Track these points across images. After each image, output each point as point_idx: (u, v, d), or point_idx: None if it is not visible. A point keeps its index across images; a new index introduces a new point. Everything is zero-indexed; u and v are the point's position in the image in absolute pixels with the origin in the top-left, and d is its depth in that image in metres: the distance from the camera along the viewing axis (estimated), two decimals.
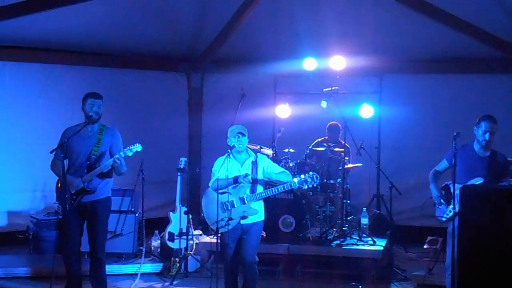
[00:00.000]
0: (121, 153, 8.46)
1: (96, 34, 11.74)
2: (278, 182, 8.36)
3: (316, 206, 11.66)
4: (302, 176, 8.29)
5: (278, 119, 12.82)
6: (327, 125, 12.04)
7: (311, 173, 8.21)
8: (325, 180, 11.29)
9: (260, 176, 8.37)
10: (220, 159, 8.26)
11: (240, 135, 8.30)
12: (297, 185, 8.23)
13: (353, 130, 11.26)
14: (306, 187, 8.29)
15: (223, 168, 8.14)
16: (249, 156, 8.44)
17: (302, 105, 12.40)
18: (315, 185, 8.40)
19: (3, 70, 11.55)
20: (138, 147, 8.53)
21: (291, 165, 11.24)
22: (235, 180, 8.19)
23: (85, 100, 8.60)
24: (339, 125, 11.83)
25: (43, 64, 11.90)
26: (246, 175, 8.13)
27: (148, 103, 13.09)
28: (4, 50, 11.43)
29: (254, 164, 8.37)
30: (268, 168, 8.42)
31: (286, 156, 11.47)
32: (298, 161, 11.35)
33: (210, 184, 8.36)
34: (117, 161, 8.39)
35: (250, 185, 8.25)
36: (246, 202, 8.27)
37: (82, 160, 8.53)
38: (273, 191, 8.28)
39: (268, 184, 8.64)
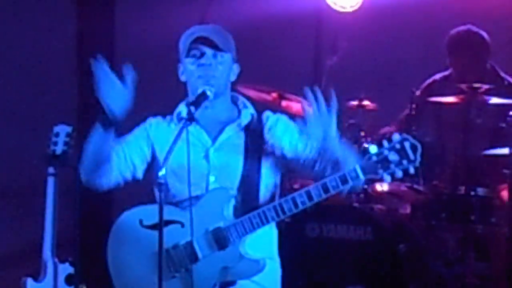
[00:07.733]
0: None
1: None
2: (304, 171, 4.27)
3: (436, 263, 6.70)
4: (373, 149, 3.93)
5: (330, 16, 7.55)
6: (449, 36, 6.94)
7: (397, 136, 3.89)
8: (462, 188, 6.52)
9: (266, 160, 4.12)
10: (156, 123, 4.09)
11: (207, 48, 3.83)
12: (362, 175, 3.73)
13: None
14: (388, 178, 3.80)
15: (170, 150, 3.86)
16: (238, 115, 4.09)
17: None
18: (411, 170, 3.82)
19: None
20: None
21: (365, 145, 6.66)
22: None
23: None
24: (484, 36, 6.89)
25: None
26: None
27: None
28: None
29: (251, 132, 4.14)
30: (284, 135, 4.12)
31: (352, 121, 6.69)
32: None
33: None
34: None
35: (234, 193, 4.04)
36: (231, 239, 4.12)
37: None
38: (307, 196, 3.93)
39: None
